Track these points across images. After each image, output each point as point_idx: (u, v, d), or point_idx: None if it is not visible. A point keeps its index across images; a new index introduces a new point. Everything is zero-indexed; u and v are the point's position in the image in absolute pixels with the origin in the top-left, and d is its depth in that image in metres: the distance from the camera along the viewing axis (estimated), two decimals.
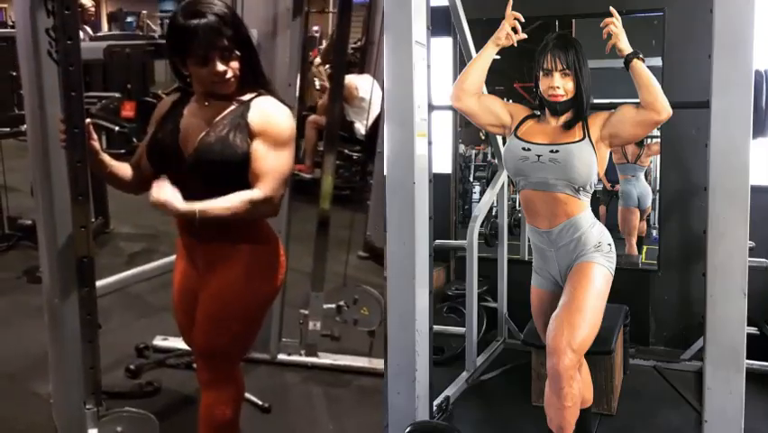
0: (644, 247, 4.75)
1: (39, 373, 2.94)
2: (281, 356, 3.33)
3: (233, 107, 1.98)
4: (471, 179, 4.99)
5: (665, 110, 2.18)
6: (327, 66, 6.76)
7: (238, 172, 1.93)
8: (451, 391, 3.23)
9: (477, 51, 2.47)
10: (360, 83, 6.10)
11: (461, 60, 3.78)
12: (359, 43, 7.17)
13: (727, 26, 2.31)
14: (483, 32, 2.76)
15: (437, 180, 2.99)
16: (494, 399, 3.36)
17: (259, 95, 2.01)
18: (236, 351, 2.19)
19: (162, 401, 2.85)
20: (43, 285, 2.42)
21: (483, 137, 4.88)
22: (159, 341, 3.36)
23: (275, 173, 1.93)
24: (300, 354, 3.33)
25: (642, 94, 2.20)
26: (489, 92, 2.93)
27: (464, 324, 3.50)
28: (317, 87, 6.77)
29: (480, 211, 3.50)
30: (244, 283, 2.05)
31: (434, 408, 2.95)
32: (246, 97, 2.00)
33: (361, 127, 6.17)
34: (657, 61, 3.71)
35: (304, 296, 3.27)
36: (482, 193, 4.31)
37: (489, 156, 4.90)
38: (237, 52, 1.92)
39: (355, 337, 3.31)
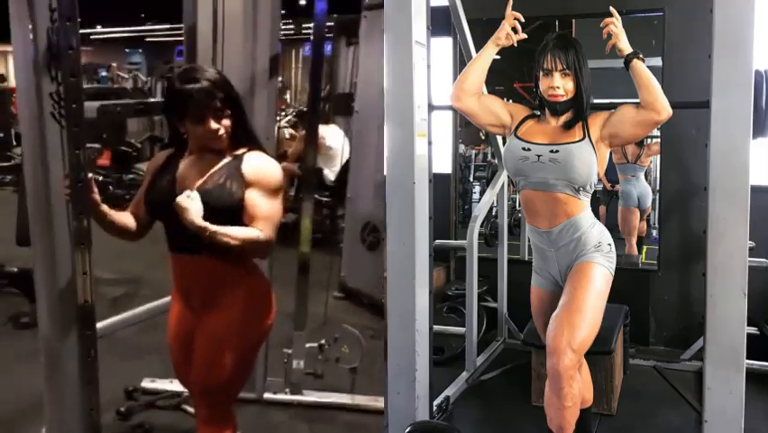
0: (644, 247, 4.77)
1: (29, 417, 3.02)
2: (267, 395, 3.40)
3: (227, 160, 2.16)
4: (471, 179, 5.00)
5: (665, 110, 2.18)
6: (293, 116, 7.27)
7: (231, 218, 2.09)
8: (451, 391, 3.24)
9: (477, 51, 2.48)
10: (327, 132, 6.38)
11: (461, 60, 3.78)
12: (323, 93, 7.32)
13: (727, 26, 2.31)
14: (483, 31, 2.77)
15: (437, 180, 3.00)
16: (494, 399, 3.36)
17: (250, 150, 2.19)
18: (233, 388, 2.29)
19: None
20: (40, 330, 2.50)
21: (483, 137, 4.89)
22: (147, 383, 3.40)
23: (270, 218, 2.12)
24: (285, 393, 3.41)
25: (642, 94, 2.20)
26: (489, 92, 2.93)
27: (464, 324, 3.50)
28: (287, 137, 7.08)
29: (479, 211, 3.50)
30: (240, 322, 2.19)
31: (434, 408, 2.96)
32: (239, 152, 2.18)
33: (329, 174, 6.47)
34: (657, 61, 3.72)
35: (286, 336, 3.36)
36: (482, 193, 4.33)
37: (489, 156, 4.92)
38: (228, 112, 2.13)
39: (338, 375, 3.39)
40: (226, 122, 2.12)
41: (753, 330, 3.29)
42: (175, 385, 3.21)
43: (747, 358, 2.40)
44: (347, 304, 4.85)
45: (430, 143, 2.81)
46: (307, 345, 3.36)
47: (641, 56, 2.22)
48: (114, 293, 4.22)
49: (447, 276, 4.37)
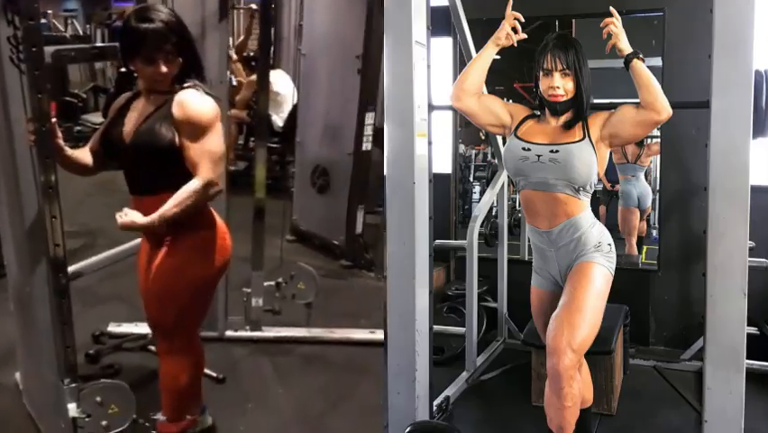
0: (644, 247, 4.76)
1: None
2: (229, 333, 3.58)
3: (163, 101, 2.18)
4: (471, 179, 5.00)
5: (665, 110, 2.18)
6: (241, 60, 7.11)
7: (167, 158, 2.14)
8: (451, 391, 3.24)
9: (477, 51, 2.47)
10: (274, 78, 6.28)
11: (461, 60, 3.78)
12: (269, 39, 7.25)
13: (727, 26, 2.31)
14: (483, 31, 2.77)
15: (437, 180, 2.99)
16: (494, 399, 3.37)
17: (182, 89, 2.18)
18: (186, 323, 2.40)
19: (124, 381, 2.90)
20: (9, 277, 2.61)
21: (483, 137, 4.89)
22: (113, 327, 3.54)
23: (206, 157, 2.13)
24: (246, 330, 3.59)
25: (642, 94, 2.20)
26: (489, 92, 2.93)
27: (464, 324, 3.50)
28: (233, 84, 6.93)
29: (479, 211, 3.50)
30: (186, 263, 2.27)
31: (434, 408, 2.96)
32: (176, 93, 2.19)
33: (278, 120, 6.43)
34: (657, 61, 3.72)
35: (245, 277, 3.55)
36: (482, 193, 4.32)
37: (489, 156, 4.91)
38: (179, 56, 2.16)
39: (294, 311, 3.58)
40: (176, 64, 2.15)
41: (753, 330, 3.29)
42: (140, 328, 3.41)
43: (747, 358, 2.40)
44: (300, 246, 5.00)
45: (430, 143, 2.81)
46: (265, 284, 3.53)
47: (641, 56, 2.22)
48: (72, 245, 4.18)
49: (447, 276, 4.38)
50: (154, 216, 2.09)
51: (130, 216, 2.09)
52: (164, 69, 2.13)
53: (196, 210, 2.18)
